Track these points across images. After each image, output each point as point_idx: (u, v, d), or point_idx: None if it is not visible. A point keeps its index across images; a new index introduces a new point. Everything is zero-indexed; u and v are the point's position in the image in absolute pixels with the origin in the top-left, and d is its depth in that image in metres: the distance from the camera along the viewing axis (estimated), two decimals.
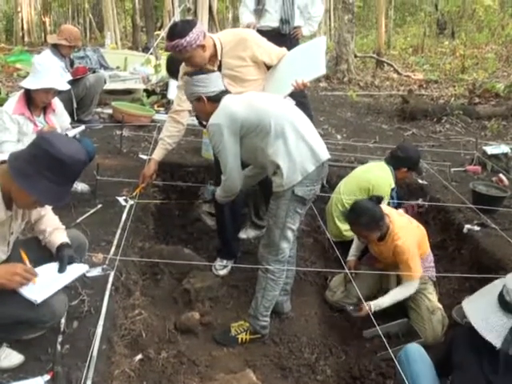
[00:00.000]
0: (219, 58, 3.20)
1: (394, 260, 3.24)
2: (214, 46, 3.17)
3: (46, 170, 1.91)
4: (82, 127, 3.92)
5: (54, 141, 1.95)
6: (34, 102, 3.46)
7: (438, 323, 3.23)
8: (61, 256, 2.25)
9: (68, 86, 3.62)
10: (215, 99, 2.79)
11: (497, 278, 2.09)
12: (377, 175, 3.82)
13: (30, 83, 3.39)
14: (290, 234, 2.89)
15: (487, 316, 1.85)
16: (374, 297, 3.45)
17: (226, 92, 2.85)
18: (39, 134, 3.30)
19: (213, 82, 2.79)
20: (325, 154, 2.82)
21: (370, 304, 3.12)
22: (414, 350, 2.31)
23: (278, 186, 2.78)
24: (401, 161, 3.86)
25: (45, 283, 2.13)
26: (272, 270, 2.95)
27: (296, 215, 2.86)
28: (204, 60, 3.13)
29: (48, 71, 3.40)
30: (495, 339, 1.79)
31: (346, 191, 3.93)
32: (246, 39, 3.22)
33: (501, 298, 1.85)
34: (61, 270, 2.22)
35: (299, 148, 2.72)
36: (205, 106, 2.81)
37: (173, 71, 3.87)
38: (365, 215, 3.13)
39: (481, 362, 1.89)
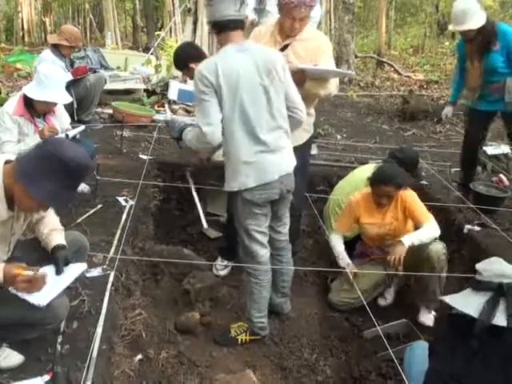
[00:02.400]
0: (295, 37, 3.12)
1: (401, 221, 3.38)
2: None
3: (51, 172, 1.91)
4: (82, 127, 3.91)
5: (60, 144, 1.97)
6: (34, 107, 3.46)
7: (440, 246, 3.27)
8: (55, 258, 2.25)
9: (70, 99, 3.60)
10: (220, 27, 2.60)
11: None
12: None
13: (33, 92, 3.37)
14: (257, 236, 2.82)
15: (465, 298, 2.04)
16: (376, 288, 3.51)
17: (237, 21, 2.60)
18: (42, 136, 3.34)
19: (221, 6, 2.54)
20: (274, 175, 2.68)
21: (402, 240, 3.18)
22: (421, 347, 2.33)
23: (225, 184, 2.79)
24: (398, 161, 3.87)
25: (46, 285, 2.13)
26: (253, 272, 2.91)
27: (255, 216, 2.77)
28: (304, 28, 3.08)
29: (53, 84, 3.38)
30: (473, 312, 1.92)
31: (345, 193, 3.93)
32: (324, 41, 3.26)
33: (474, 282, 2.05)
34: (58, 272, 2.22)
35: (249, 162, 2.63)
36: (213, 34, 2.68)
37: (181, 66, 3.60)
38: (401, 175, 3.28)
39: (454, 354, 1.98)
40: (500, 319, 1.89)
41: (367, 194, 3.45)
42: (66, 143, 2.02)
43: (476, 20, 3.86)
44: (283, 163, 2.75)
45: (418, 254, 3.22)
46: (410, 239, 3.19)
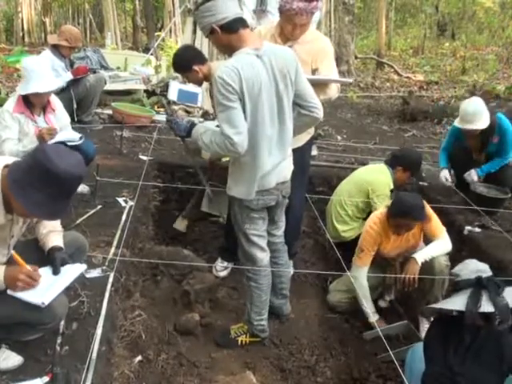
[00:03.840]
0: (296, 40, 3.09)
1: (417, 236, 3.36)
2: None
3: (38, 182, 1.85)
4: (78, 138, 3.75)
5: (49, 153, 1.87)
6: (32, 103, 3.46)
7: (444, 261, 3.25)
8: (52, 259, 2.24)
9: (59, 84, 3.61)
10: (228, 28, 2.43)
11: None
12: (375, 177, 3.83)
13: (21, 88, 3.43)
14: (256, 239, 2.81)
15: (450, 299, 2.24)
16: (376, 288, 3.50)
17: (241, 20, 2.48)
18: (41, 139, 3.33)
19: (221, 8, 2.40)
20: (273, 183, 2.68)
21: (416, 257, 3.17)
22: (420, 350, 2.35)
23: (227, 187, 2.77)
24: (397, 159, 3.89)
25: (45, 285, 2.12)
26: (253, 276, 2.91)
27: (253, 220, 2.76)
28: (304, 32, 3.07)
29: (35, 75, 3.37)
30: (460, 307, 2.06)
31: (346, 193, 3.93)
32: (326, 43, 3.25)
33: (453, 284, 2.27)
34: (55, 272, 2.22)
35: (253, 173, 2.60)
36: (220, 37, 2.47)
37: (183, 68, 3.52)
38: (419, 207, 3.14)
39: (446, 354, 2.09)
40: (487, 307, 2.01)
41: (383, 220, 3.27)
42: (56, 151, 1.92)
43: (484, 120, 4.08)
44: (282, 171, 2.74)
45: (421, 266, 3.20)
46: (422, 256, 3.18)
